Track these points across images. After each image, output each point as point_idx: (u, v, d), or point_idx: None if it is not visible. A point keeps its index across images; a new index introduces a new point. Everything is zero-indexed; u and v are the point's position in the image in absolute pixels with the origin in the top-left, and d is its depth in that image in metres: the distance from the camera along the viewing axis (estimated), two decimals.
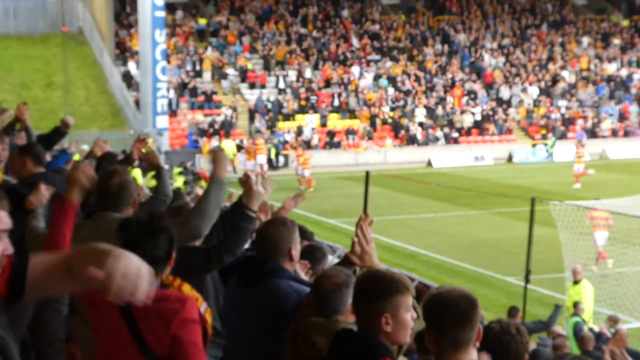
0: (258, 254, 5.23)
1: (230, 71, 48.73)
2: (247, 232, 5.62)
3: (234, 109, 46.24)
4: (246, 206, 5.66)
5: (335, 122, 48.32)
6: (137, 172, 18.71)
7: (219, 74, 48.73)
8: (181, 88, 46.78)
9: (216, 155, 5.86)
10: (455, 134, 49.05)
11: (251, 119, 46.32)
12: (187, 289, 3.98)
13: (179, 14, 52.48)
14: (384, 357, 3.75)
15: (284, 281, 5.00)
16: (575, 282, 17.52)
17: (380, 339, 3.80)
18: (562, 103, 53.06)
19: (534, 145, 49.63)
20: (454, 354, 3.68)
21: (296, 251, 5.16)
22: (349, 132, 47.18)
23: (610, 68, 56.63)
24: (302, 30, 53.73)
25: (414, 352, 6.02)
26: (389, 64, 52.68)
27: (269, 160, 42.57)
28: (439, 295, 3.74)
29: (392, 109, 49.69)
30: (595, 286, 19.08)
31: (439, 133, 48.71)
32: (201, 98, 46.82)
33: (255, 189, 5.68)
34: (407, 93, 51.07)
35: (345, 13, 56.63)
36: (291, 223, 5.22)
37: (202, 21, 52.23)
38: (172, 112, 45.12)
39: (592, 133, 50.89)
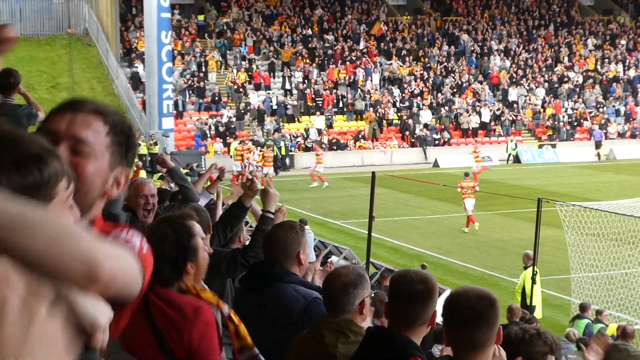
0: (266, 257, 5.20)
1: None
2: None
3: (238, 111, 46.29)
4: (265, 209, 6.25)
5: (341, 123, 48.32)
6: (142, 173, 18.84)
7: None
8: (187, 89, 46.82)
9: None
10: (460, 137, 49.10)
11: (260, 120, 46.28)
12: (207, 295, 3.95)
13: (183, 15, 52.50)
14: (415, 357, 3.73)
15: (290, 286, 4.97)
16: (525, 268, 17.79)
17: (411, 339, 3.80)
18: (569, 104, 52.98)
19: (540, 146, 49.59)
20: (470, 355, 3.62)
21: (305, 255, 5.13)
22: (358, 136, 47.23)
23: (617, 69, 56.52)
24: (308, 32, 53.70)
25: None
26: (395, 65, 52.62)
27: (275, 161, 42.59)
28: (457, 294, 3.71)
29: (398, 110, 49.67)
30: (603, 287, 19.05)
31: (445, 134, 48.75)
32: (207, 99, 46.90)
33: (272, 192, 6.26)
34: (412, 94, 51.03)
35: (351, 14, 56.57)
36: (300, 227, 5.19)
37: (200, 17, 52.21)
38: (179, 114, 45.16)
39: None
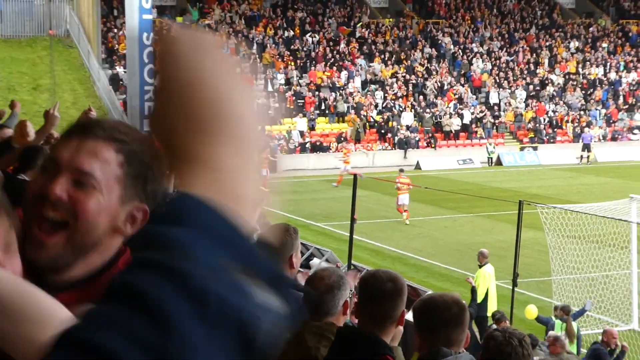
0: None
1: None
2: None
3: None
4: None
5: (324, 125, 48.27)
6: None
7: None
8: None
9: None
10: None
11: None
12: None
13: (168, 17, 52.28)
14: (386, 356, 3.77)
15: None
16: (480, 266, 18.12)
17: (382, 337, 3.84)
18: (550, 106, 53.18)
19: (521, 149, 49.73)
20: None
21: (297, 259, 5.11)
22: (340, 138, 47.07)
23: (599, 72, 56.78)
24: (290, 34, 53.66)
25: None
26: (377, 67, 52.66)
27: None
28: (432, 299, 3.91)
29: (380, 113, 49.69)
30: (584, 290, 19.12)
31: (426, 136, 48.85)
32: None
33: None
34: (395, 97, 51.07)
35: (333, 17, 56.57)
36: (294, 230, 5.16)
37: (180, 19, 52.03)
38: None
39: (580, 137, 50.99)
